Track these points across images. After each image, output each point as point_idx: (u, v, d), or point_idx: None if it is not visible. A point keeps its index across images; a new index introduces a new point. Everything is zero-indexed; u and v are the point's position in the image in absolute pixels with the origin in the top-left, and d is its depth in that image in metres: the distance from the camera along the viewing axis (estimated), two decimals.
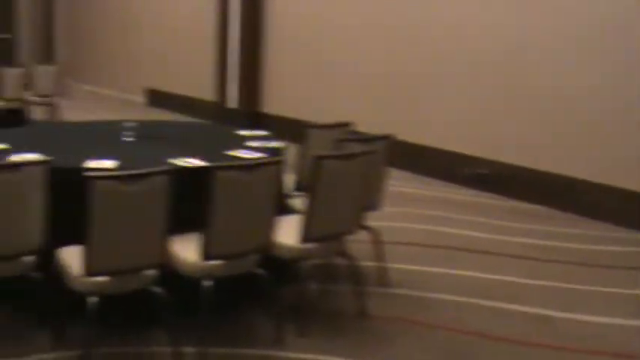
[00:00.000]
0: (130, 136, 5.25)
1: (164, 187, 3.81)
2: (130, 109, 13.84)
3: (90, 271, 3.80)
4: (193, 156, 4.66)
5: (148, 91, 14.76)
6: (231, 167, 4.02)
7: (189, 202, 4.05)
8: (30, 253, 4.10)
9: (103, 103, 15.20)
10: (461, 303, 5.12)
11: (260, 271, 4.31)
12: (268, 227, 4.26)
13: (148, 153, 5.05)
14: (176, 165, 4.40)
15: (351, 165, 4.44)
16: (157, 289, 3.99)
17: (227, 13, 12.02)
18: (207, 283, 4.09)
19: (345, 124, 5.67)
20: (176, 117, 12.54)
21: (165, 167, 3.99)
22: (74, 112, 12.44)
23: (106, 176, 3.71)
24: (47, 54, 17.90)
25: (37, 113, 12.45)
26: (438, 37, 9.03)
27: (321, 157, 4.31)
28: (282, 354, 4.27)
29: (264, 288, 4.40)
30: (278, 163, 4.25)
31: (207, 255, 4.05)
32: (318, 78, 10.75)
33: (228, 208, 4.01)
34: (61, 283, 4.05)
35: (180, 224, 4.07)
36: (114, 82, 15.80)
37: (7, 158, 4.54)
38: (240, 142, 5.31)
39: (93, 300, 3.84)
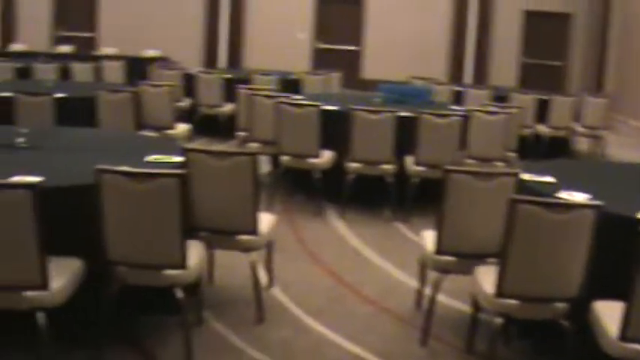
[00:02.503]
0: None
1: None
2: None
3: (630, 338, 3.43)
4: None
5: None
6: None
7: None
8: (564, 299, 3.90)
9: None
10: None
11: None
12: None
13: None
14: None
15: None
16: None
17: None
18: None
19: None
20: None
21: None
22: (620, 149, 11.93)
23: None
24: (597, 84, 17.58)
25: (582, 145, 12.19)
26: None
27: None
28: None
29: None
30: None
31: None
32: None
33: None
34: (590, 338, 3.81)
35: None
36: None
37: (553, 194, 4.34)
38: None
39: None
